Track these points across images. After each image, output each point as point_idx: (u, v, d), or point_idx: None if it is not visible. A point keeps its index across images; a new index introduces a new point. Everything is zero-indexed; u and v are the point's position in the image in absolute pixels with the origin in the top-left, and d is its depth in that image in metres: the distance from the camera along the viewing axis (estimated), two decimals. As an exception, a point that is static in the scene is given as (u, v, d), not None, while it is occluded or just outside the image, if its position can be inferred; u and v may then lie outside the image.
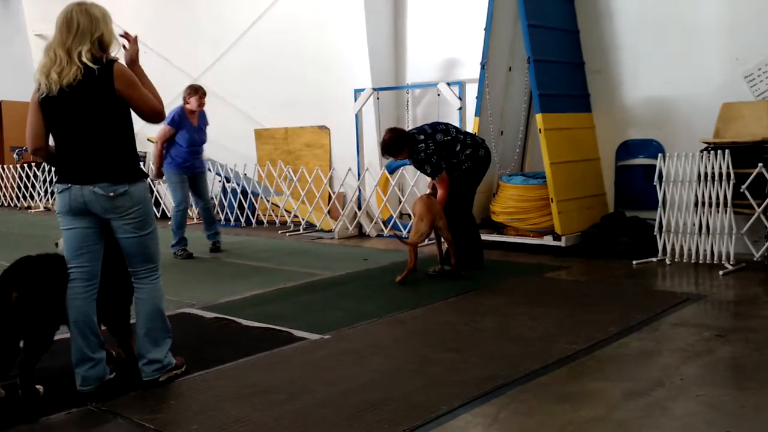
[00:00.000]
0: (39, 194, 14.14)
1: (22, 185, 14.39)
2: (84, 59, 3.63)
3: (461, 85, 8.94)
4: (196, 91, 7.99)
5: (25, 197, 14.35)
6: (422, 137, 6.44)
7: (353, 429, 3.27)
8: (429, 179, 6.76)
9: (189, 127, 7.95)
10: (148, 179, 3.91)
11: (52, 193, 13.88)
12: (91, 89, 3.67)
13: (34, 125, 3.80)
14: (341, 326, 4.97)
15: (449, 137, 6.51)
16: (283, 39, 11.17)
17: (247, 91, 11.75)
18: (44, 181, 14.10)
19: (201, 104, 8.02)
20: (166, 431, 3.32)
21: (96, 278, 3.86)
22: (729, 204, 6.49)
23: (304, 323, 5.06)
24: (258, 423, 3.37)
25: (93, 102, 3.69)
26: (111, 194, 3.72)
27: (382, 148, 6.60)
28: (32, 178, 14.24)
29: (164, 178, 8.01)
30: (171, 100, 12.74)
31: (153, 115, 3.84)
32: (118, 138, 3.78)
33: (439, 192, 6.47)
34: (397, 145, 6.46)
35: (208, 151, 12.48)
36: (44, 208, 13.83)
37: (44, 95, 3.70)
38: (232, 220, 10.69)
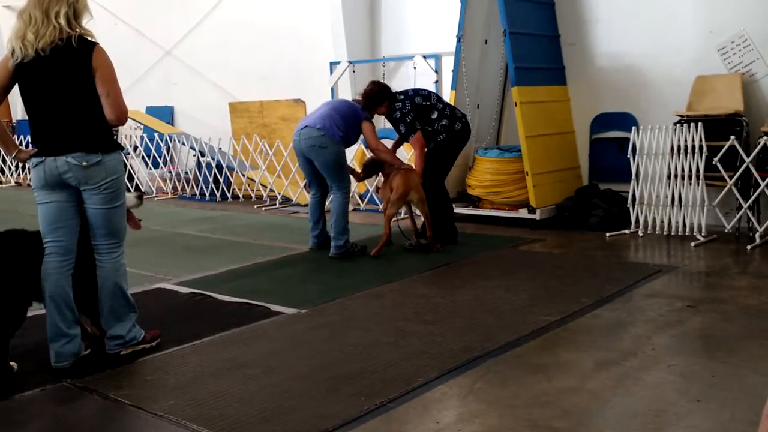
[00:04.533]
0: (10, 169, 13.91)
1: (-8, 160, 14.14)
2: (61, 20, 3.60)
3: (437, 57, 8.90)
4: None
5: (-5, 172, 14.12)
6: (402, 97, 6.52)
7: (330, 402, 3.29)
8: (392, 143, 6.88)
9: None
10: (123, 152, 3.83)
11: (24, 167, 13.66)
12: (67, 58, 3.63)
13: None
14: (318, 300, 4.98)
15: (428, 103, 6.54)
16: (257, 11, 11.02)
17: (222, 63, 11.60)
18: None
19: None
20: (142, 407, 3.31)
21: (72, 253, 3.82)
22: (701, 176, 6.57)
23: (281, 298, 5.06)
24: (235, 397, 3.38)
25: (68, 71, 3.65)
26: (84, 164, 3.69)
27: (363, 98, 6.56)
28: (3, 152, 13.98)
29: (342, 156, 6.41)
30: (143, 73, 12.66)
31: (123, 115, 3.77)
32: (91, 109, 3.71)
33: (416, 162, 6.49)
34: (378, 97, 6.50)
35: (182, 125, 12.41)
36: (15, 183, 13.62)
37: (18, 61, 3.65)
38: (207, 194, 10.61)
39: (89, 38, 3.73)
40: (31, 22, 3.62)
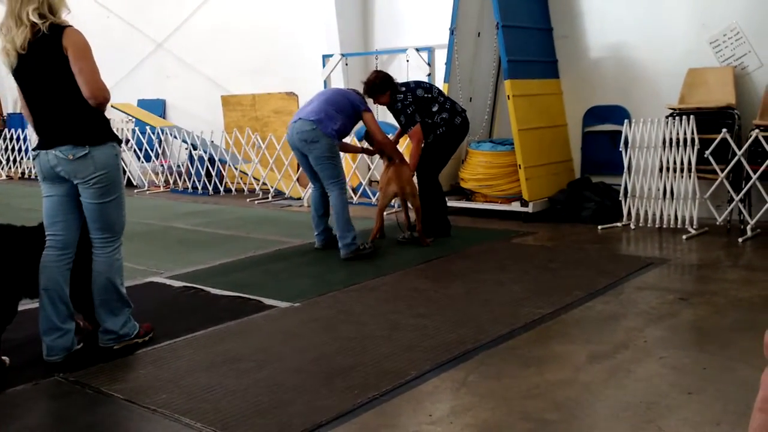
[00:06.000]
0: (0, 162, 13.84)
1: (-17, 153, 14.08)
2: (31, 17, 3.56)
3: (430, 50, 8.90)
4: None
5: (-14, 166, 14.05)
6: (403, 89, 6.52)
7: (324, 395, 3.29)
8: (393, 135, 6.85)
9: None
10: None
11: (14, 161, 13.62)
12: (41, 48, 3.60)
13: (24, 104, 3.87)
14: (311, 294, 4.98)
15: (429, 96, 6.55)
16: (250, 4, 10.98)
17: (214, 56, 11.57)
18: (5, 149, 13.79)
19: None
20: (135, 400, 3.31)
21: (70, 248, 3.81)
22: (693, 169, 6.59)
23: (274, 291, 5.06)
24: (228, 391, 3.38)
25: (45, 63, 3.62)
26: (70, 157, 3.66)
27: (366, 86, 6.50)
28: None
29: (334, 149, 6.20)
30: (134, 66, 12.60)
31: (99, 92, 3.60)
32: (76, 98, 3.64)
33: (411, 155, 6.48)
34: (382, 86, 6.46)
35: (174, 118, 12.37)
36: (7, 176, 13.56)
37: (12, 69, 3.69)
38: (199, 188, 10.59)
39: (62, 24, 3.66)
40: (9, 32, 3.62)
